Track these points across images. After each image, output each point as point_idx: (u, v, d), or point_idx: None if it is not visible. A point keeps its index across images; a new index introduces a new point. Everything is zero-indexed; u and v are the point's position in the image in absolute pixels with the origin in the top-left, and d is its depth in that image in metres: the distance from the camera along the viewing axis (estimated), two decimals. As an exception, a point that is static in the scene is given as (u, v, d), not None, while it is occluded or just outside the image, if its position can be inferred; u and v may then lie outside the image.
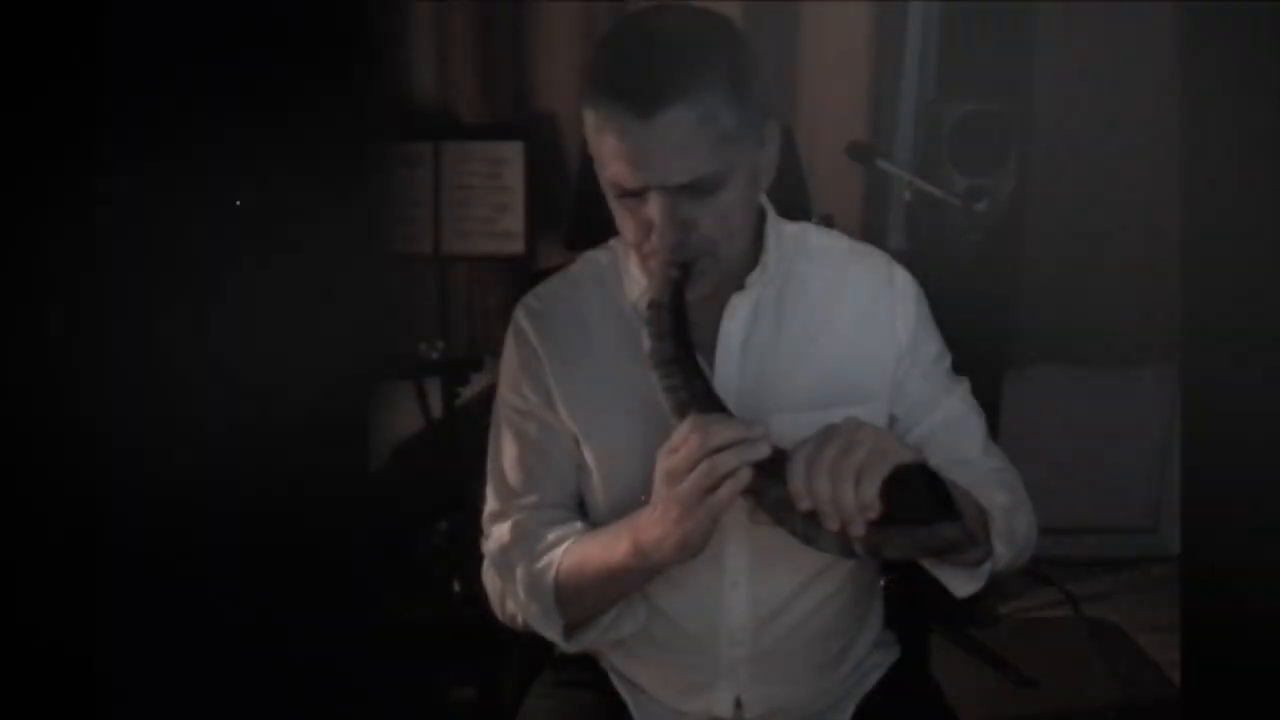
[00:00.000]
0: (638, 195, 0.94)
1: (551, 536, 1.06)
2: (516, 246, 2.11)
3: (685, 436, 0.87)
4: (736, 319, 1.05)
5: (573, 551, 1.03)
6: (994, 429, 2.22)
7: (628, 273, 1.08)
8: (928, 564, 0.97)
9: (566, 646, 1.06)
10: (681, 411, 0.90)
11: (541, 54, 2.33)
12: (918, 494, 0.81)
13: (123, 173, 0.45)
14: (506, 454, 1.11)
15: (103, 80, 0.44)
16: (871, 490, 0.80)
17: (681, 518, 0.88)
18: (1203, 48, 0.70)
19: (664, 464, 0.89)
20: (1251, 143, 0.67)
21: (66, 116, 0.44)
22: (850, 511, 0.80)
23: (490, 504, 1.12)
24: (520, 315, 1.11)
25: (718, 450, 0.85)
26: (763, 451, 0.85)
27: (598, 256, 1.13)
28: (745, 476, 0.85)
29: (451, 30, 2.30)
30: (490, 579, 1.12)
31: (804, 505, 0.82)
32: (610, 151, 0.93)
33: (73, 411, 0.46)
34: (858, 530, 0.81)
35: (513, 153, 2.10)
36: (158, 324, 0.47)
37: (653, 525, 0.91)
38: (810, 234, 1.12)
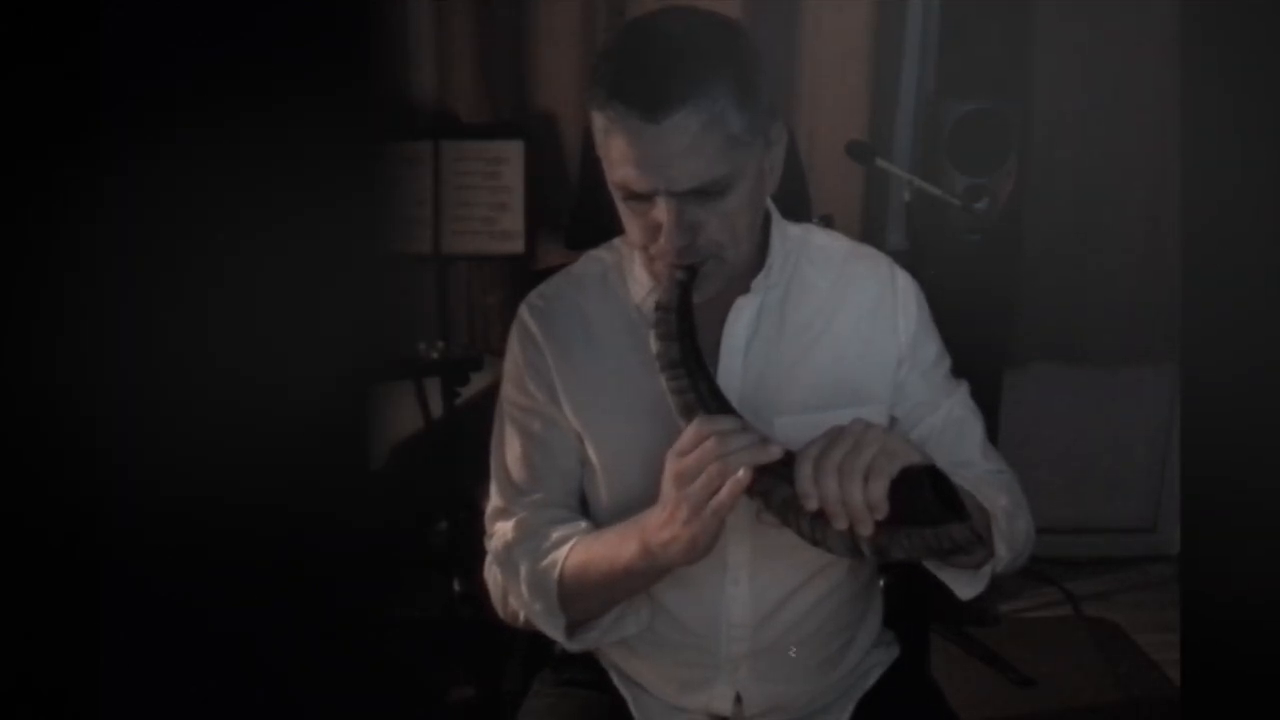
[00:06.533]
0: (645, 198, 0.94)
1: (556, 535, 1.05)
2: (516, 246, 2.11)
3: (696, 439, 0.87)
4: (741, 321, 1.05)
5: (578, 551, 1.03)
6: (993, 428, 2.23)
7: (632, 273, 1.08)
8: (931, 566, 0.97)
9: (568, 645, 1.06)
10: (689, 413, 0.90)
11: (541, 54, 2.34)
12: (925, 495, 0.81)
13: (118, 172, 0.45)
14: (511, 451, 1.11)
15: (99, 79, 0.44)
16: (879, 490, 0.80)
17: (691, 519, 0.88)
18: (1202, 46, 0.70)
19: (674, 466, 0.89)
20: (1252, 141, 0.67)
21: (62, 116, 0.44)
22: (858, 511, 0.80)
23: (494, 501, 1.12)
24: (525, 313, 1.11)
25: (730, 453, 0.85)
26: (774, 453, 0.85)
27: (601, 256, 1.13)
28: (745, 478, 0.85)
29: (451, 30, 2.30)
30: (492, 576, 1.12)
31: (811, 505, 0.82)
32: (618, 154, 0.93)
33: (70, 412, 0.46)
34: (866, 530, 0.81)
35: (513, 152, 2.10)
36: (155, 323, 0.47)
37: (661, 527, 0.91)
38: (813, 235, 1.12)
